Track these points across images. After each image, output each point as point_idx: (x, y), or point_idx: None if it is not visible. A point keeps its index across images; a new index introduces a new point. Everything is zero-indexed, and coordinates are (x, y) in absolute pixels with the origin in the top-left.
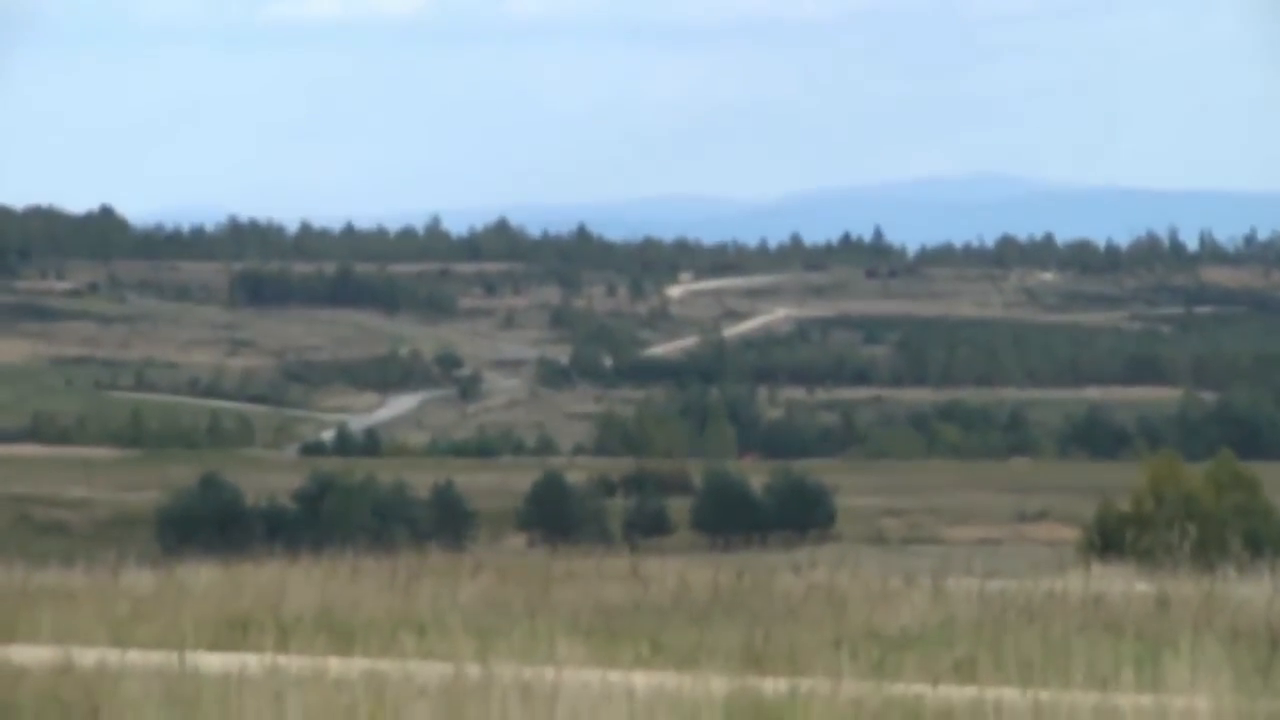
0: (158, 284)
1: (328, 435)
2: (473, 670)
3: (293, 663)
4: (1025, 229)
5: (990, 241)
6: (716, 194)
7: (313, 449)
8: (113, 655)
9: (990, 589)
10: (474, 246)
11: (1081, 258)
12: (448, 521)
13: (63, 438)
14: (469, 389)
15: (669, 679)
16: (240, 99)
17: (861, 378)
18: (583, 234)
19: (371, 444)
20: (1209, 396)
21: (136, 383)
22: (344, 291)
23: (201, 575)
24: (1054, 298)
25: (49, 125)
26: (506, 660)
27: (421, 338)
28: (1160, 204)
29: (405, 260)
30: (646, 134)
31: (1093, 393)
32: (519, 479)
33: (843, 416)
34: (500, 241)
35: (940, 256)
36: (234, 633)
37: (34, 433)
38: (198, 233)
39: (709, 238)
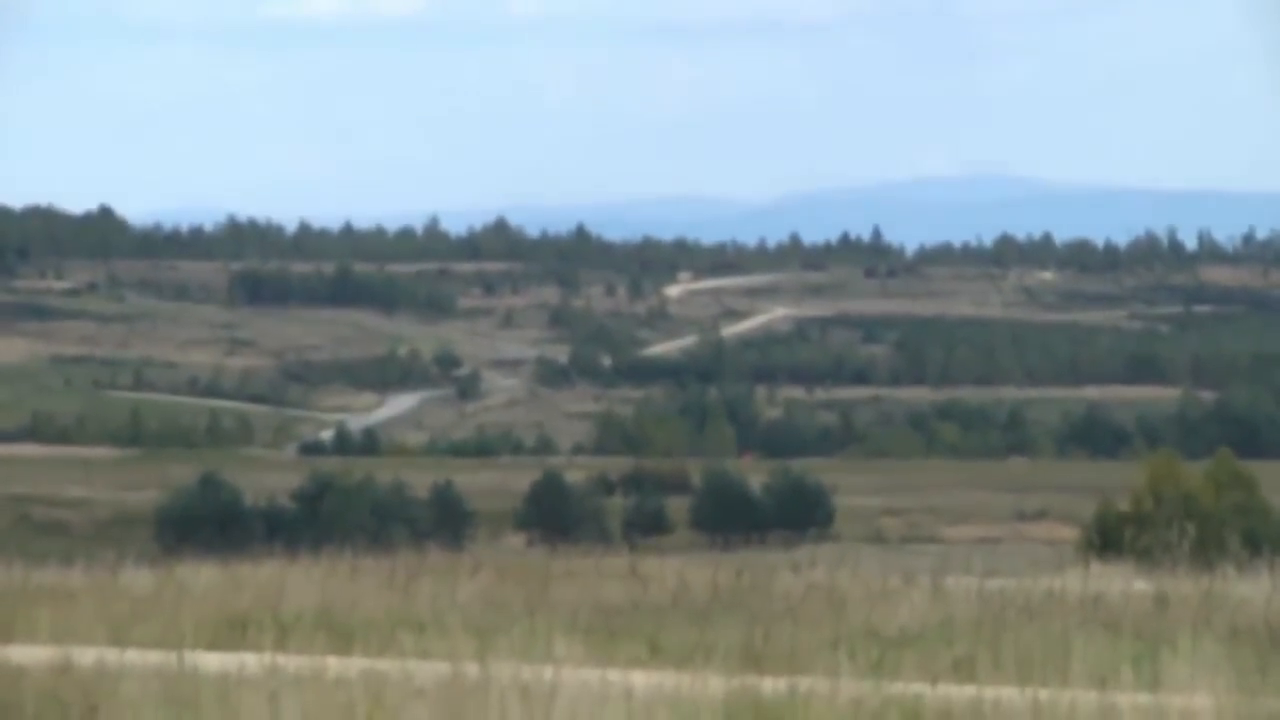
0: (157, 283)
1: (327, 435)
2: (472, 669)
3: (292, 662)
4: (1024, 228)
5: (989, 241)
6: (715, 194)
7: (312, 449)
8: (112, 655)
9: (989, 588)
10: (473, 246)
11: (1080, 257)
12: (447, 521)
13: (62, 437)
14: (468, 389)
15: (668, 678)
16: (239, 98)
17: (860, 377)
18: (581, 234)
19: (370, 444)
20: (1208, 396)
21: (135, 382)
22: (343, 291)
23: (201, 575)
24: (1053, 297)
25: (48, 125)
26: (505, 659)
27: (420, 337)
28: (1159, 203)
29: (404, 260)
30: (645, 134)
31: (1091, 392)
32: (518, 478)
33: (842, 416)
34: (499, 241)
35: (939, 256)
36: (233, 632)
37: (33, 432)
38: (197, 232)
39: (708, 237)
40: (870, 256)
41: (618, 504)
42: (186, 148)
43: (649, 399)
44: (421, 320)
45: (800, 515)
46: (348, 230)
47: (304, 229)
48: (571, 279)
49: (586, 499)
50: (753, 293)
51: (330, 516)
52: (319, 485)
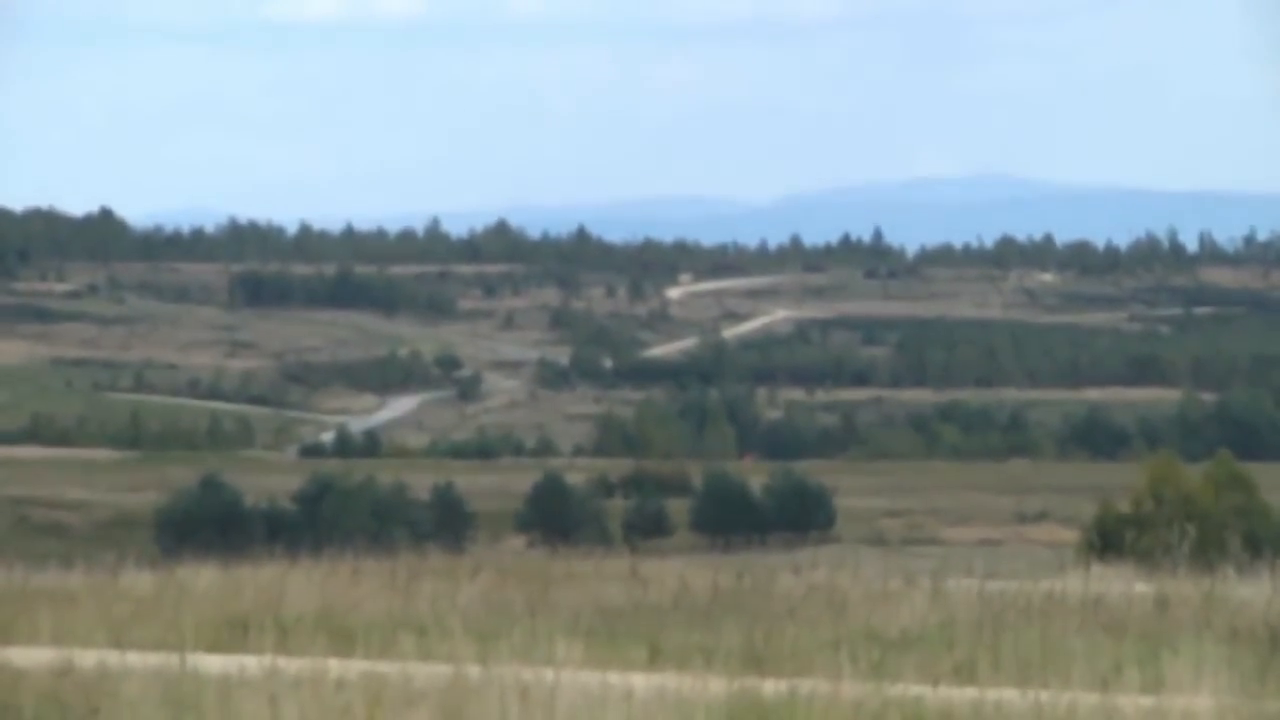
0: (157, 285)
1: (327, 436)
2: (472, 671)
3: (292, 664)
4: (1025, 229)
5: (989, 242)
6: (716, 195)
7: (312, 450)
8: (112, 656)
9: (990, 590)
10: (473, 248)
11: (1081, 258)
12: (447, 523)
13: (62, 439)
14: (468, 390)
15: (669, 680)
16: (240, 100)
17: (861, 379)
18: (582, 235)
19: (371, 445)
20: (1208, 397)
21: (136, 384)
22: (343, 293)
23: (201, 576)
24: (1053, 298)
25: (48, 126)
26: (506, 661)
27: (421, 339)
28: (1160, 204)
29: (405, 262)
30: (646, 135)
31: (1092, 393)
32: (518, 480)
33: (842, 417)
34: (500, 243)
35: (939, 257)
36: (234, 634)
37: (33, 434)
38: (197, 234)
39: (708, 239)
40: (871, 258)
41: (618, 506)
42: (187, 149)
43: (650, 400)
44: (422, 322)
45: (801, 517)
46: (348, 232)
47: (305, 231)
48: (572, 280)
49: (587, 501)
50: (753, 294)
51: (331, 518)
52: (319, 487)
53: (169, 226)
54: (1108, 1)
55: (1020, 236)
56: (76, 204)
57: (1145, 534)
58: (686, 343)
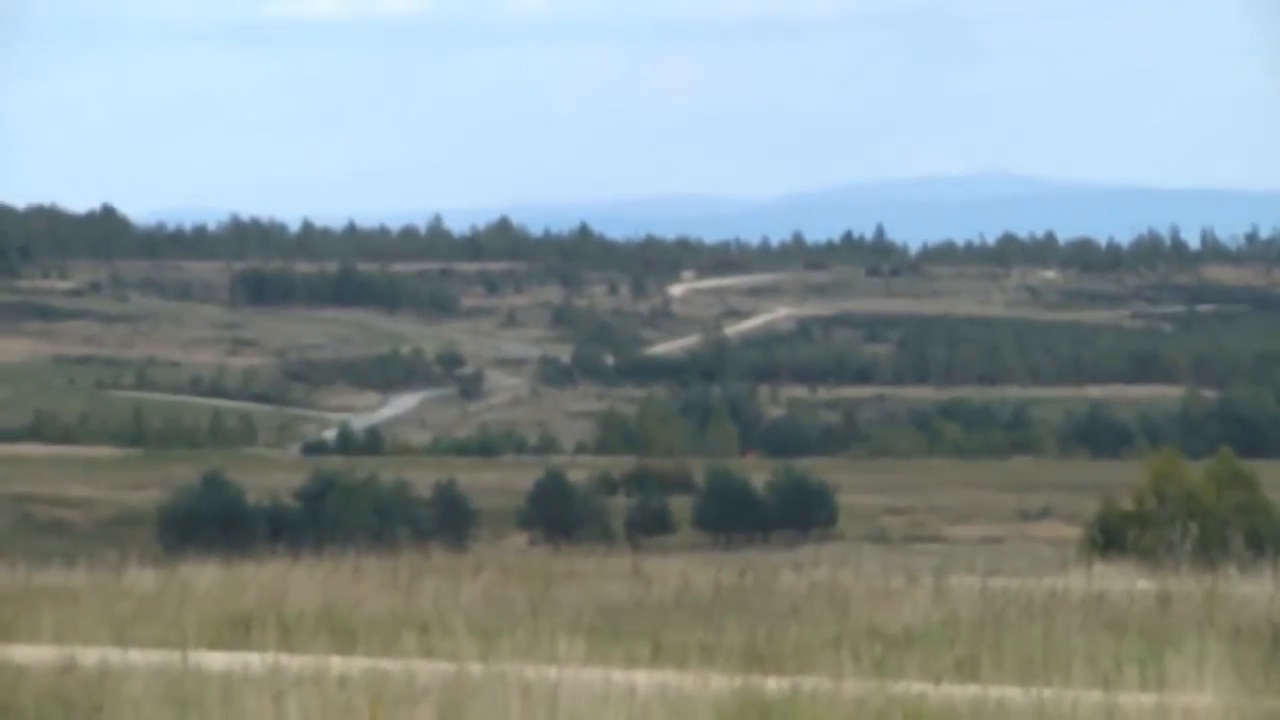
0: (160, 283)
1: (330, 434)
2: (475, 669)
3: (295, 662)
4: (1027, 227)
5: (992, 239)
6: (718, 192)
7: (315, 448)
8: (115, 654)
9: (992, 587)
10: (476, 245)
11: (1083, 256)
12: (450, 520)
13: (65, 437)
14: (471, 388)
15: (671, 678)
16: (242, 98)
17: (863, 376)
18: (584, 233)
19: (373, 443)
20: (1210, 394)
21: (138, 382)
22: (346, 290)
23: (204, 574)
24: (1056, 296)
25: (50, 124)
26: (508, 659)
27: (423, 337)
28: (1162, 202)
29: (407, 259)
30: (648, 133)
31: (1094, 391)
32: (521, 478)
33: (844, 415)
34: (502, 240)
35: (942, 255)
36: (236, 632)
37: (36, 432)
38: (199, 232)
39: (710, 236)
40: (873, 255)
41: (620, 503)
42: (189, 147)
43: (652, 398)
44: (424, 319)
45: (803, 514)
46: (351, 230)
47: (307, 228)
48: (574, 278)
49: (589, 498)
50: (756, 292)
51: (333, 516)
52: (322, 484)
53: (171, 224)
54: (1110, 0)
55: (1022, 234)
56: (79, 201)
57: (1147, 531)
58: (688, 340)
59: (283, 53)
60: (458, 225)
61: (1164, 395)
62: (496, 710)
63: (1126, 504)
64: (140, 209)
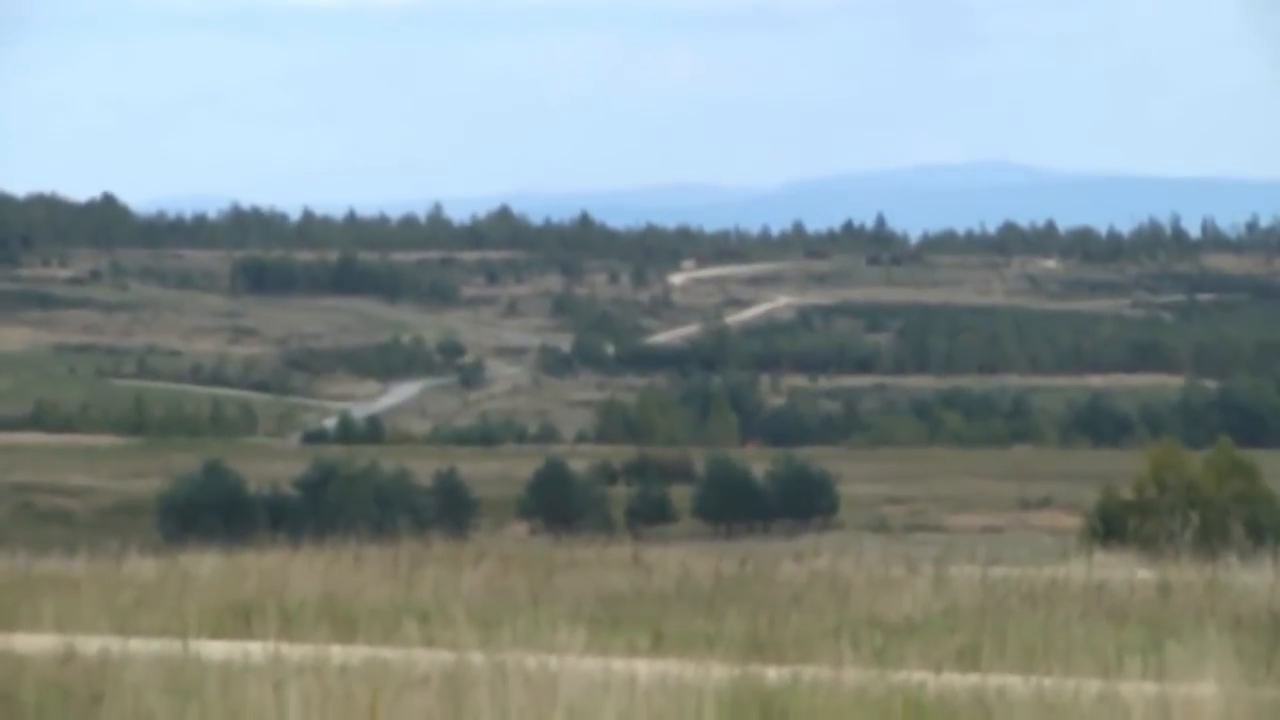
0: (160, 271)
1: (330, 423)
2: (475, 658)
3: (295, 650)
4: (1027, 216)
5: (992, 229)
6: (719, 181)
7: (315, 437)
8: (115, 643)
9: (993, 576)
10: (476, 234)
11: (1084, 245)
12: (450, 509)
13: (65, 425)
14: (471, 377)
15: (671, 667)
16: (242, 86)
17: (864, 365)
18: (585, 222)
19: (374, 432)
20: (1211, 384)
21: (139, 370)
22: (346, 279)
23: (204, 563)
24: (1056, 285)
25: (51, 112)
26: (509, 648)
27: (424, 325)
28: (1163, 191)
29: (407, 248)
30: (649, 121)
31: (1095, 380)
32: (521, 467)
33: (845, 404)
34: (502, 229)
35: (942, 244)
36: (237, 620)
37: (36, 420)
38: (200, 220)
39: (711, 225)
40: (873, 244)
41: (621, 492)
42: (190, 136)
43: (652, 387)
44: (425, 308)
45: (804, 504)
46: (351, 218)
47: (307, 217)
48: (575, 267)
49: (590, 487)
50: (756, 281)
51: (334, 504)
52: (322, 473)
53: (172, 213)
54: None
55: (1023, 223)
56: (79, 190)
57: (1148, 521)
58: (689, 329)
59: (283, 42)
60: (458, 214)
61: (1164, 384)
62: (497, 699)
63: (1127, 493)
64: (141, 197)
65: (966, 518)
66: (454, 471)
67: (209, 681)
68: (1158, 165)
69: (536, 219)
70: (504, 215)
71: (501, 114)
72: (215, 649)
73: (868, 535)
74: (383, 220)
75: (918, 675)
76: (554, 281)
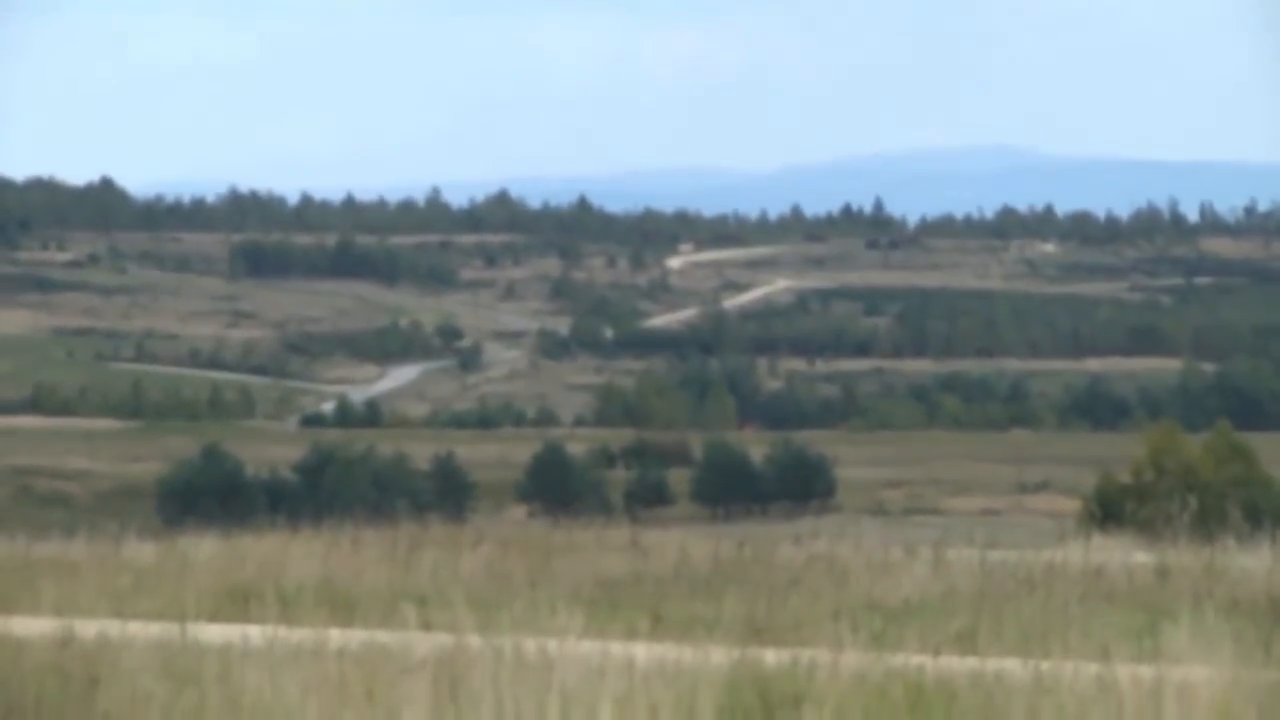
0: (158, 255)
1: (328, 407)
2: (473, 641)
3: (294, 634)
4: (1026, 200)
5: (990, 213)
6: (717, 165)
7: (313, 420)
8: (114, 627)
9: (991, 560)
10: (474, 218)
11: (1082, 229)
12: (448, 493)
13: (64, 409)
14: (469, 360)
15: (670, 650)
16: (241, 70)
17: (862, 349)
18: (583, 205)
19: (372, 415)
20: (1209, 367)
21: (137, 354)
22: (344, 263)
23: (203, 547)
24: (1054, 269)
25: (49, 96)
26: (507, 632)
27: (422, 309)
28: (1161, 175)
29: (406, 232)
30: (647, 106)
31: (1093, 364)
32: (519, 450)
33: (843, 388)
34: (500, 213)
35: (940, 228)
36: (235, 604)
37: (35, 404)
38: (198, 204)
39: (709, 209)
40: (872, 228)
41: (619, 476)
42: (188, 119)
43: (650, 371)
44: (423, 292)
45: (802, 487)
46: (349, 202)
47: (306, 201)
48: (573, 251)
49: (588, 471)
50: (754, 264)
51: (332, 488)
52: (320, 457)
53: (170, 196)
54: None
55: (1021, 207)
56: (77, 173)
57: (1146, 504)
58: (687, 313)
59: (282, 24)
60: (456, 198)
61: (1162, 368)
62: (495, 683)
63: (1125, 477)
64: (139, 181)
65: (964, 501)
66: (452, 455)
67: (207, 665)
68: (1156, 149)
69: (534, 203)
70: (502, 199)
71: (499, 98)
72: (213, 632)
73: (866, 519)
74: (381, 204)
75: (916, 658)
76: (552, 265)
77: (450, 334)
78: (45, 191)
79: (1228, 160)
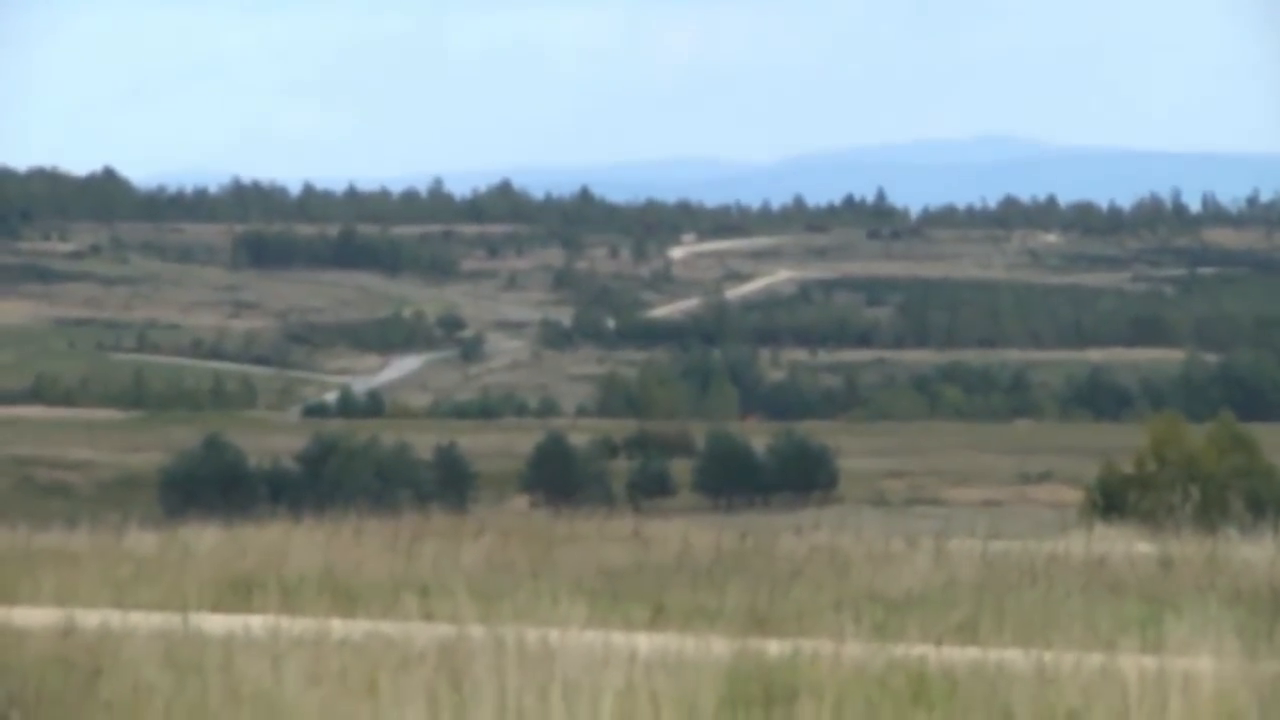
0: (160, 245)
1: (330, 397)
2: (475, 632)
3: (295, 624)
4: (1028, 190)
5: (993, 203)
6: (719, 155)
7: (315, 410)
8: (115, 617)
9: (993, 550)
10: (477, 208)
11: (1084, 219)
12: (450, 483)
13: (66, 399)
14: (471, 351)
15: (671, 641)
16: (243, 60)
17: (864, 339)
18: (585, 196)
19: (374, 405)
20: (1211, 358)
21: (139, 344)
22: (347, 253)
23: (204, 537)
24: (1057, 259)
25: (51, 87)
26: (509, 622)
27: (424, 299)
28: (1163, 165)
29: (408, 222)
30: (649, 96)
31: (1095, 354)
32: (521, 440)
33: (845, 378)
34: (503, 203)
35: (943, 218)
36: (236, 594)
37: (37, 394)
38: (201, 194)
39: (711, 199)
40: (874, 219)
41: (621, 466)
42: (190, 109)
43: (652, 361)
44: (425, 282)
45: (804, 478)
46: (352, 192)
47: (308, 191)
48: (575, 241)
49: (590, 461)
50: (756, 255)
51: (334, 478)
52: (323, 447)
53: (172, 186)
54: None
55: (1024, 197)
56: (80, 164)
57: (1148, 495)
58: (689, 303)
59: (285, 15)
60: (459, 188)
61: (1165, 358)
62: (497, 673)
63: (1127, 467)
64: (141, 172)
65: (966, 492)
66: (454, 445)
67: (209, 655)
68: (1158, 139)
69: (537, 193)
70: (504, 189)
71: (502, 88)
72: (215, 623)
73: (867, 509)
74: (383, 194)
75: (918, 649)
76: (554, 256)
77: (452, 324)
78: (47, 182)
79: (1230, 150)
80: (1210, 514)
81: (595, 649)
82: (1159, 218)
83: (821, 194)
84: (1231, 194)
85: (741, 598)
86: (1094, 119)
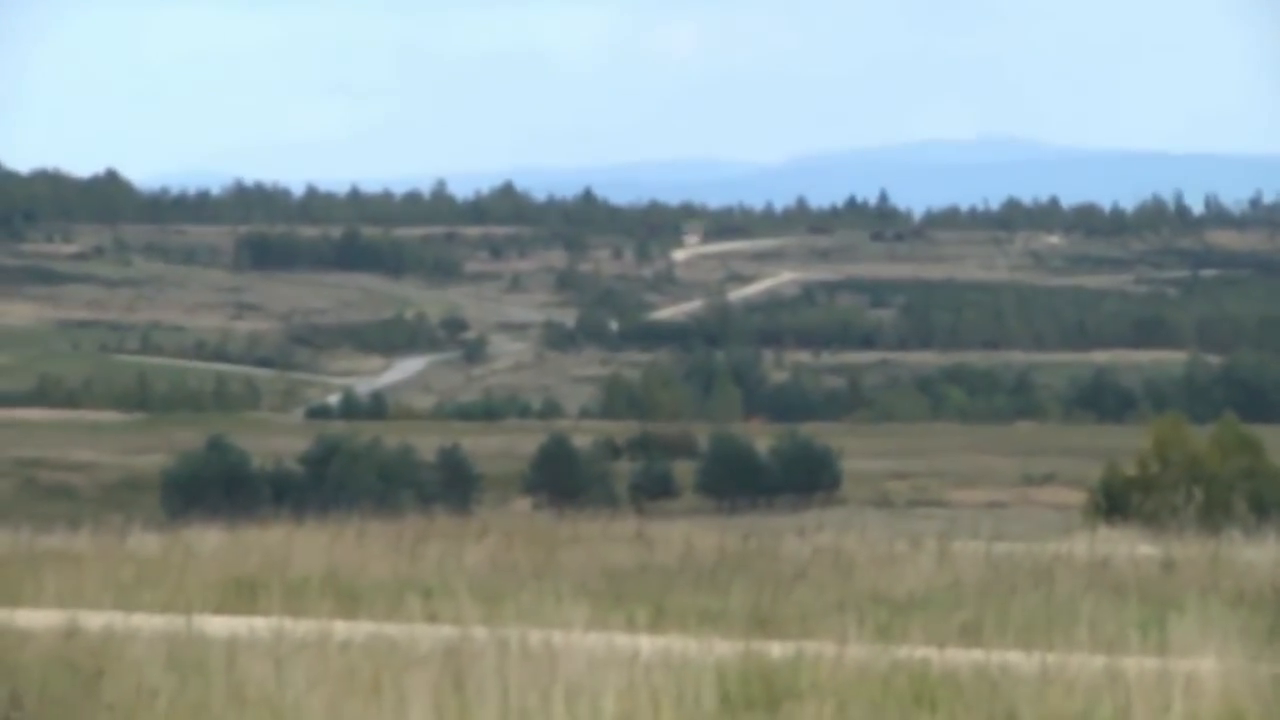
0: (164, 247)
1: (334, 398)
2: (478, 634)
3: (299, 626)
4: (1031, 192)
5: (996, 204)
6: (722, 157)
7: (319, 412)
8: (119, 619)
9: (996, 552)
10: (480, 210)
11: (1087, 221)
12: (454, 484)
13: (69, 401)
14: (475, 352)
15: (675, 642)
16: (246, 61)
17: (867, 341)
18: (588, 197)
19: (377, 407)
20: (1215, 359)
21: (142, 346)
22: (350, 255)
23: (208, 538)
24: (1060, 261)
25: (54, 87)
26: (512, 624)
27: (427, 301)
28: (1166, 166)
29: (411, 223)
30: (652, 97)
31: (1099, 356)
32: (525, 442)
33: (848, 380)
34: (506, 205)
35: (946, 219)
36: (240, 596)
37: (40, 396)
38: (204, 196)
39: (715, 200)
40: (877, 220)
41: (625, 468)
42: (193, 111)
43: (656, 362)
44: (428, 284)
45: (807, 479)
46: (354, 194)
47: (311, 192)
48: (578, 242)
49: (593, 463)
50: (760, 256)
51: (337, 480)
52: (326, 449)
53: (175, 188)
54: None
55: (1026, 199)
56: (83, 165)
57: (1152, 496)
58: (692, 305)
59: (287, 15)
60: (462, 190)
61: (1168, 360)
62: (500, 674)
63: (1130, 469)
64: (144, 173)
65: (970, 493)
66: (457, 447)
67: (212, 657)
68: (1162, 141)
69: (540, 194)
70: (507, 191)
71: (505, 89)
72: (218, 625)
73: (871, 511)
74: (386, 196)
75: (921, 651)
76: (557, 257)
77: (455, 326)
78: (50, 183)
79: (1233, 152)
80: (1213, 515)
81: (598, 650)
82: (1162, 219)
83: (825, 195)
84: (1234, 195)
85: (744, 599)
86: (1097, 120)
